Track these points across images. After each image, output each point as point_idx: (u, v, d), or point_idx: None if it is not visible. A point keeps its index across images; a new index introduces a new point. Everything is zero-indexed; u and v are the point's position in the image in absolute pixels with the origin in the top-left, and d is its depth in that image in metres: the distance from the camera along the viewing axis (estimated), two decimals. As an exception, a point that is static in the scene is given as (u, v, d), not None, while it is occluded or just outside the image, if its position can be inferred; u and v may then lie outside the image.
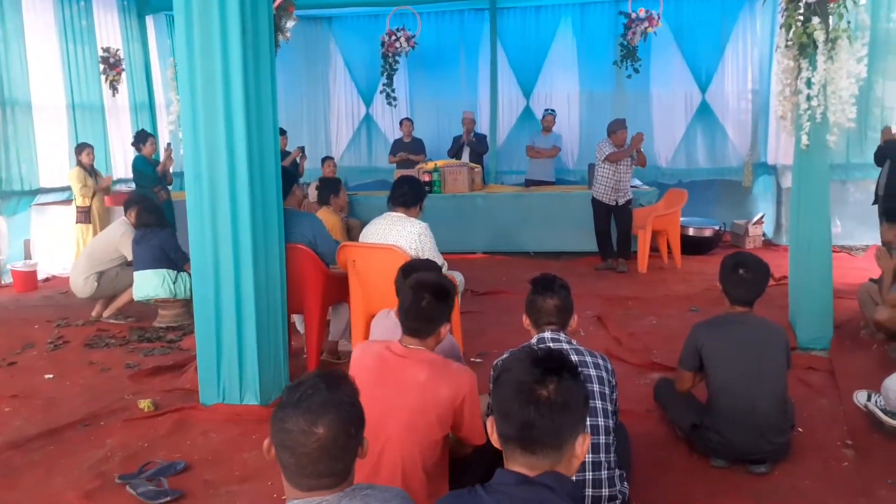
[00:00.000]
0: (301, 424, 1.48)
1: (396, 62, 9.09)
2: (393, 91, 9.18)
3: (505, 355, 2.45)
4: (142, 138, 7.14)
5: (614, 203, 7.01)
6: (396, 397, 2.29)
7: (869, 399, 3.40)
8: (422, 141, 9.06)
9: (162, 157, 7.30)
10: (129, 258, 5.51)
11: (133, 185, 7.56)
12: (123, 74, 8.41)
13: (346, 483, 1.56)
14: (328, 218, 5.17)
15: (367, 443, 1.60)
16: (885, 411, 3.26)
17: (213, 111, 3.53)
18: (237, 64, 3.50)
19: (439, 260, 4.06)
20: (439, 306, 2.43)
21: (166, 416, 3.71)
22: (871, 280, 4.78)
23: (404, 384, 2.30)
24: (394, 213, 4.20)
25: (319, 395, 1.52)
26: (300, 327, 4.58)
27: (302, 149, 8.20)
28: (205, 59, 3.50)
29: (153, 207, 5.74)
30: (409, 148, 8.92)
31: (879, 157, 6.42)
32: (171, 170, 7.41)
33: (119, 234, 5.60)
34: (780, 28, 4.40)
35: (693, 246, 7.70)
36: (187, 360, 4.43)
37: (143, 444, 3.42)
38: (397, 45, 8.87)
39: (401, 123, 9.12)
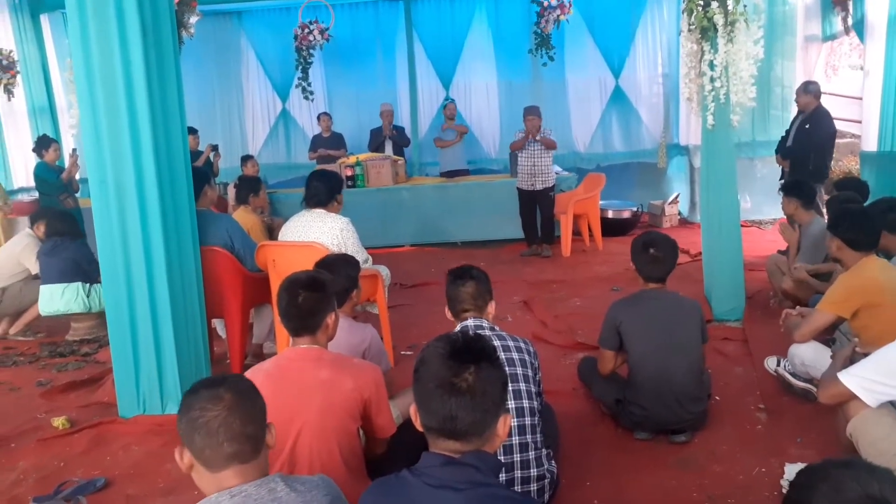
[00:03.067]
0: (205, 398, 1.55)
1: (311, 56, 8.93)
2: (309, 85, 9.03)
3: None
4: (43, 144, 6.78)
5: (532, 188, 7.10)
6: (301, 400, 2.26)
7: (778, 364, 3.58)
8: (342, 135, 8.95)
9: (67, 164, 6.95)
10: (34, 272, 5.22)
11: (36, 195, 7.17)
12: (19, 77, 7.94)
13: (260, 471, 1.58)
14: (246, 218, 5.04)
15: (274, 429, 1.64)
16: (793, 374, 3.44)
17: (115, 113, 3.38)
18: (139, 62, 3.36)
19: (363, 255, 4.02)
20: (316, 297, 2.40)
21: (83, 433, 3.55)
22: (780, 252, 5.03)
23: (307, 385, 2.28)
24: (313, 210, 4.12)
25: (213, 379, 1.63)
26: (222, 332, 4.45)
27: (214, 147, 7.95)
28: (103, 59, 3.34)
29: (65, 216, 5.45)
30: (328, 143, 8.79)
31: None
32: (76, 176, 7.05)
33: (21, 247, 5.30)
34: (683, 13, 4.55)
35: (613, 228, 7.92)
36: (104, 373, 4.24)
37: (58, 464, 3.26)
38: (311, 38, 8.70)
39: (318, 118, 8.98)
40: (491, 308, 2.74)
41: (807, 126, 6.16)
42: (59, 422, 3.65)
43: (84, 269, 5.12)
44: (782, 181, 4.92)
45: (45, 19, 8.45)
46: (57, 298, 5.05)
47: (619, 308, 3.15)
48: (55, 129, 8.34)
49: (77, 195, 7.04)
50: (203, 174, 4.20)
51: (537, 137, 6.90)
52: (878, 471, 1.19)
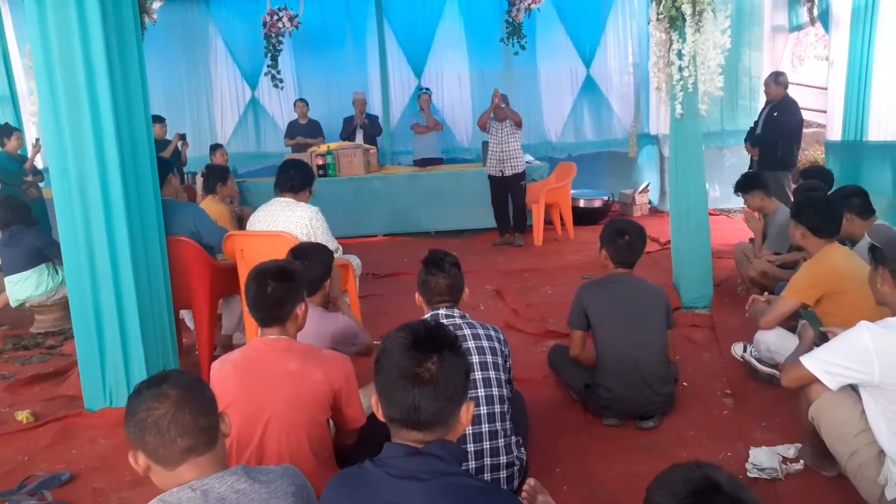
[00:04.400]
0: (149, 398, 1.51)
1: (280, 43, 8.82)
2: (279, 73, 8.92)
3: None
4: (5, 133, 6.62)
5: (500, 174, 7.09)
6: (270, 390, 2.24)
7: (745, 350, 3.64)
8: (318, 123, 8.85)
9: (30, 154, 6.79)
10: (-4, 263, 5.11)
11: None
12: (-22, 64, 7.73)
13: (218, 461, 1.56)
14: (214, 207, 4.97)
15: (227, 417, 1.62)
16: (758, 360, 3.50)
17: (75, 100, 3.30)
18: (99, 48, 3.29)
19: (332, 244, 3.99)
20: (286, 287, 2.37)
21: (48, 427, 3.49)
22: (751, 241, 5.09)
23: (275, 376, 2.26)
24: (282, 199, 4.08)
25: (155, 377, 1.57)
26: (190, 323, 4.39)
27: (182, 136, 7.82)
28: (62, 45, 3.26)
29: (17, 204, 5.34)
30: (305, 130, 8.70)
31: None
32: (40, 165, 6.89)
33: (-17, 239, 5.18)
34: (652, 2, 4.57)
35: (584, 217, 7.98)
36: (69, 366, 4.16)
37: (22, 458, 3.20)
38: (280, 25, 8.60)
39: (294, 105, 8.88)
40: (464, 297, 2.74)
41: (775, 115, 6.25)
42: (22, 416, 3.58)
43: (46, 255, 5.03)
44: (739, 179, 4.95)
45: (3, 5, 8.22)
46: (23, 286, 4.96)
47: (587, 290, 3.19)
48: (17, 117, 8.11)
49: (41, 185, 6.89)
50: (166, 163, 4.13)
51: (502, 105, 6.89)
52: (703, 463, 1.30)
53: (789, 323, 3.46)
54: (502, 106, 6.90)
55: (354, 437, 2.51)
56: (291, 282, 2.40)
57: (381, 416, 1.54)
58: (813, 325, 2.79)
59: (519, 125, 6.99)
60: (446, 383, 1.47)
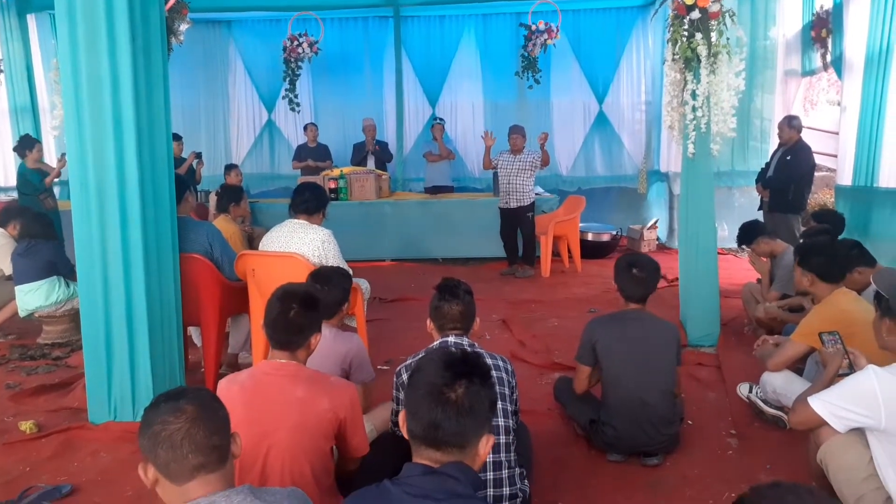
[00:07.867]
0: (166, 411, 1.52)
1: (299, 67, 8.97)
2: (296, 97, 9.06)
3: (418, 355, 2.48)
4: (27, 145, 6.71)
5: (507, 205, 7.20)
6: (275, 415, 2.22)
7: (751, 391, 3.63)
8: (327, 147, 8.97)
9: (56, 166, 6.89)
10: (7, 273, 5.14)
11: (14, 194, 7.08)
12: (2, 76, 7.87)
13: (226, 480, 1.57)
14: (226, 227, 5.02)
15: (239, 438, 1.64)
16: (764, 401, 3.48)
17: (100, 116, 3.37)
18: (126, 67, 3.36)
19: (343, 267, 4.01)
20: (309, 315, 2.36)
21: (51, 438, 3.49)
22: (758, 281, 5.09)
23: (281, 401, 2.24)
24: (296, 221, 4.12)
25: (173, 392, 1.59)
26: (197, 340, 4.41)
27: (198, 154, 7.92)
28: (91, 62, 3.34)
29: (41, 217, 5.40)
30: (314, 154, 8.80)
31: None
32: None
33: (-3, 248, 5.24)
34: (668, 42, 4.63)
35: (592, 250, 8.00)
36: (75, 378, 4.18)
37: (24, 469, 3.20)
38: (300, 50, 8.75)
39: (305, 128, 8.99)
40: (475, 326, 2.76)
41: (788, 158, 6.28)
42: (26, 426, 3.59)
43: (59, 270, 5.07)
44: (739, 233, 4.97)
45: (31, 19, 8.39)
46: (34, 296, 4.99)
47: (597, 325, 3.18)
48: (36, 129, 8.23)
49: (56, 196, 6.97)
50: (183, 181, 4.17)
51: (489, 144, 7.19)
52: (803, 487, 1.29)
53: (796, 366, 3.45)
54: (545, 150, 7.16)
55: (357, 464, 2.50)
56: (315, 311, 2.40)
57: (404, 432, 1.58)
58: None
59: (538, 166, 7.14)
60: (470, 409, 1.52)
